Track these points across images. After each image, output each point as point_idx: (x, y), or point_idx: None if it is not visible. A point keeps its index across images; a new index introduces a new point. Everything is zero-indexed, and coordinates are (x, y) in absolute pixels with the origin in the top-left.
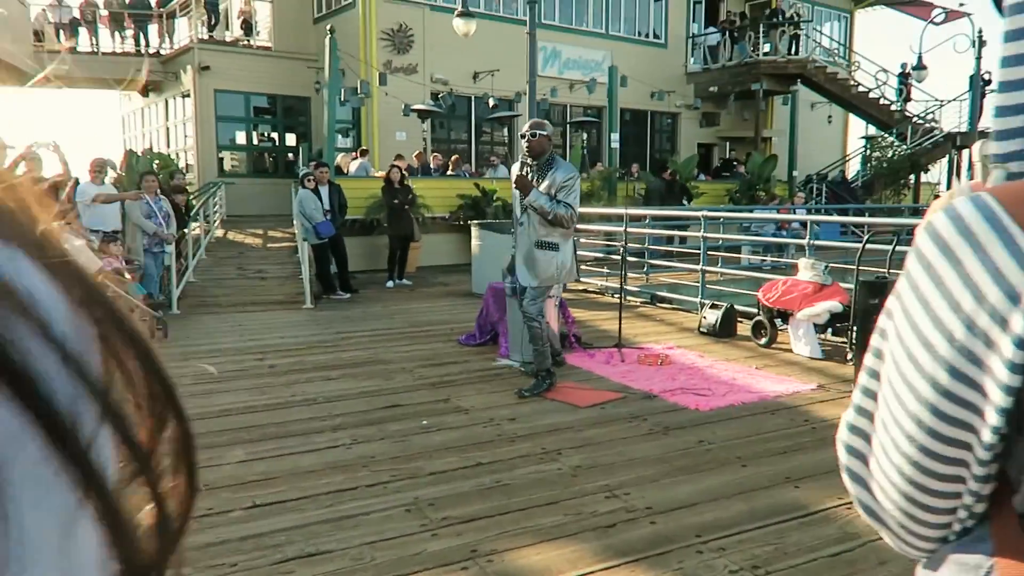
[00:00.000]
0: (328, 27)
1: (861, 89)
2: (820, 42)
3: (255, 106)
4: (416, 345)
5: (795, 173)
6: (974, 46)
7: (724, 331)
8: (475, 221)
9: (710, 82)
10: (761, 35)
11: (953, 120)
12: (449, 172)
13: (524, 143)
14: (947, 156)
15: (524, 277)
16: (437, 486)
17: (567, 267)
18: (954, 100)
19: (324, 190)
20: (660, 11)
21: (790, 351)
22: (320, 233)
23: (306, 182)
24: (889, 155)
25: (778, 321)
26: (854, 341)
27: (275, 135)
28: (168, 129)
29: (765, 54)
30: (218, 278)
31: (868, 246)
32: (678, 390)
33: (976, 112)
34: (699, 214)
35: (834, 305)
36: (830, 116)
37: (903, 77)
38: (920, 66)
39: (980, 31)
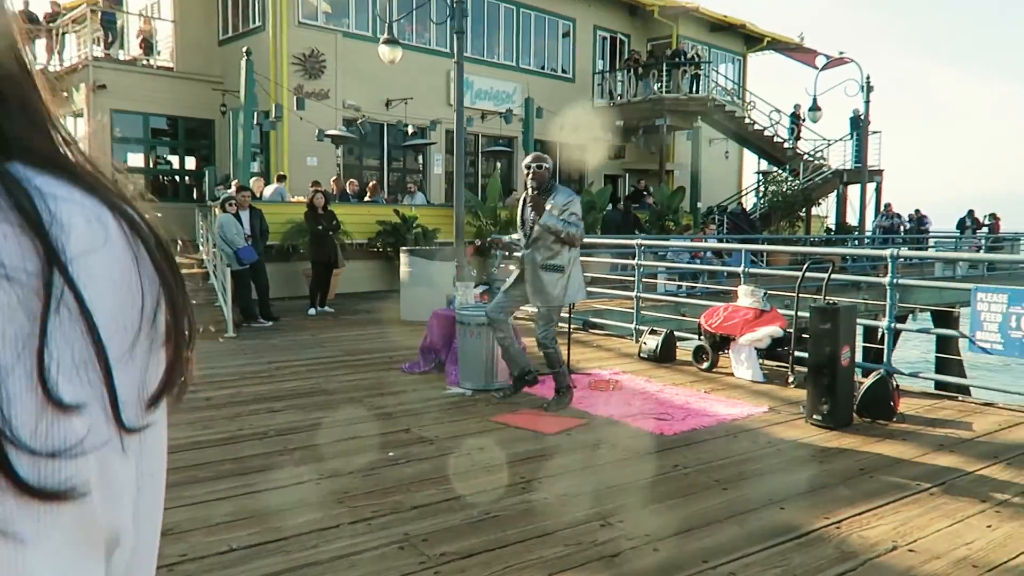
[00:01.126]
0: (244, 49)
1: (756, 127)
2: (718, 82)
3: (154, 128)
4: (358, 374)
5: (699, 204)
6: (862, 90)
7: (664, 356)
8: (404, 248)
9: (616, 116)
10: (665, 74)
11: (839, 158)
12: (367, 199)
13: (528, 174)
14: (835, 191)
15: (533, 300)
16: (424, 520)
17: (574, 287)
18: (840, 140)
19: (245, 215)
20: (568, 48)
21: (731, 375)
22: (242, 259)
23: (227, 206)
24: (784, 189)
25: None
26: (794, 365)
27: (174, 158)
28: (73, 144)
29: (667, 92)
30: None
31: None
32: (638, 415)
33: (861, 150)
34: (634, 242)
35: (775, 330)
36: (727, 152)
37: (794, 118)
38: (815, 107)
39: (868, 77)
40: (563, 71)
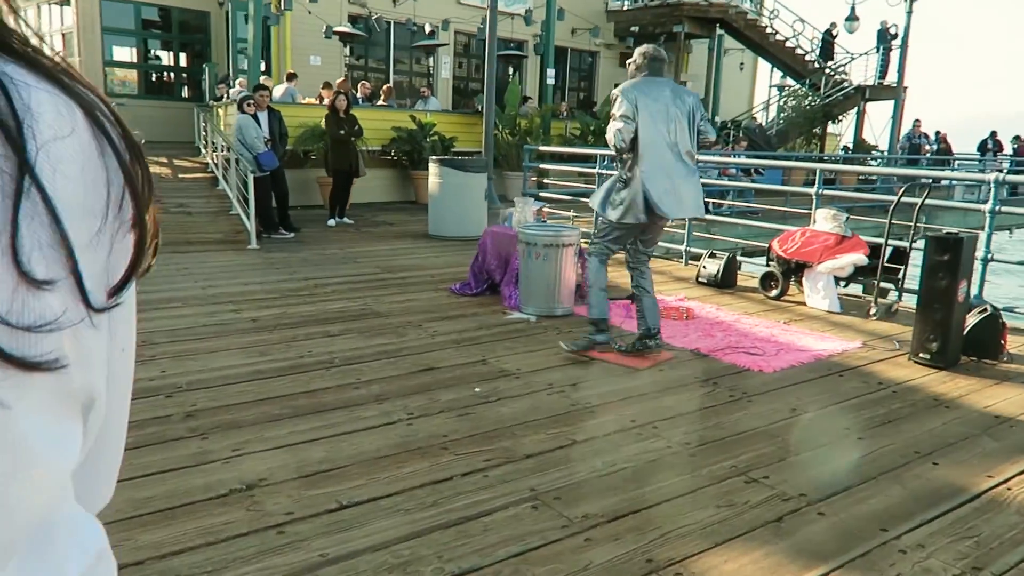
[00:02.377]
0: None
1: (779, 37)
2: None
3: (145, 18)
4: (405, 295)
5: (717, 119)
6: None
7: (725, 281)
8: (434, 157)
9: (631, 21)
10: None
11: (860, 73)
12: (380, 103)
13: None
14: (856, 108)
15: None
16: (546, 473)
17: (623, 203)
18: (864, 54)
19: (263, 116)
20: None
21: (803, 304)
22: (263, 165)
23: (245, 106)
24: (803, 105)
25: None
26: (878, 296)
27: (167, 53)
28: (41, 41)
29: None
30: None
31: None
32: (726, 348)
33: (884, 66)
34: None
35: (859, 258)
36: (742, 63)
37: (827, 36)
38: (853, 16)
39: None
40: None
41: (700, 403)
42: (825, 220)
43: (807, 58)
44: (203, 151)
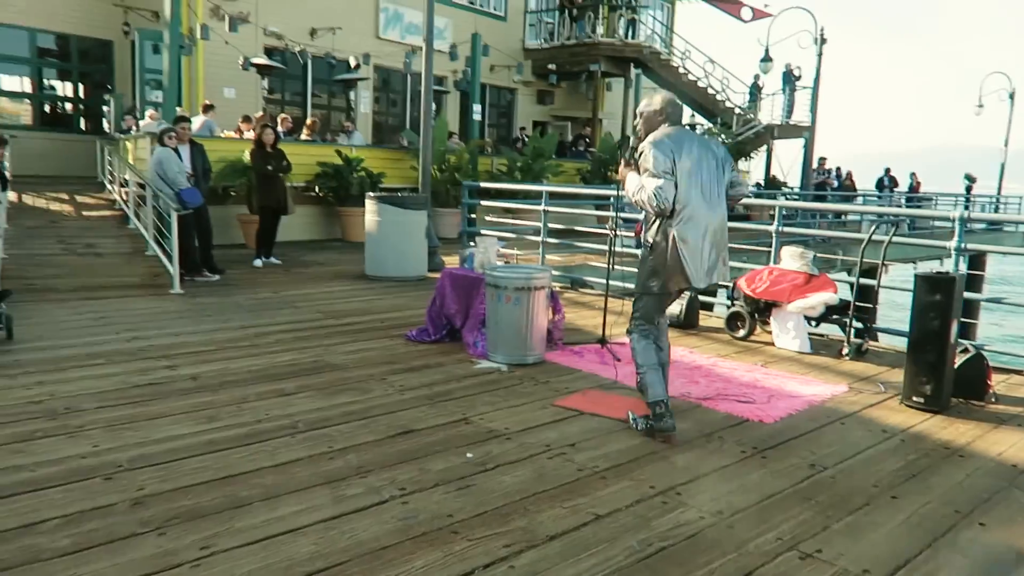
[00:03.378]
0: None
1: (691, 78)
2: (654, 28)
3: (40, 46)
4: (358, 343)
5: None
6: (816, 43)
7: (689, 322)
8: (371, 194)
9: (549, 59)
10: (600, 17)
11: (767, 113)
12: (303, 137)
13: (635, 125)
14: (765, 145)
15: None
16: (580, 560)
17: (657, 271)
18: (772, 95)
19: (185, 150)
20: None
21: (771, 344)
22: (186, 202)
23: (166, 139)
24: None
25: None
26: (850, 336)
27: (64, 84)
28: None
29: (602, 36)
30: (35, 253)
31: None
32: (716, 397)
33: (791, 105)
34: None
35: (830, 297)
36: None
37: (788, 76)
38: (767, 58)
39: (822, 29)
40: (494, 8)
41: (715, 462)
42: (792, 258)
43: (718, 98)
44: (108, 187)
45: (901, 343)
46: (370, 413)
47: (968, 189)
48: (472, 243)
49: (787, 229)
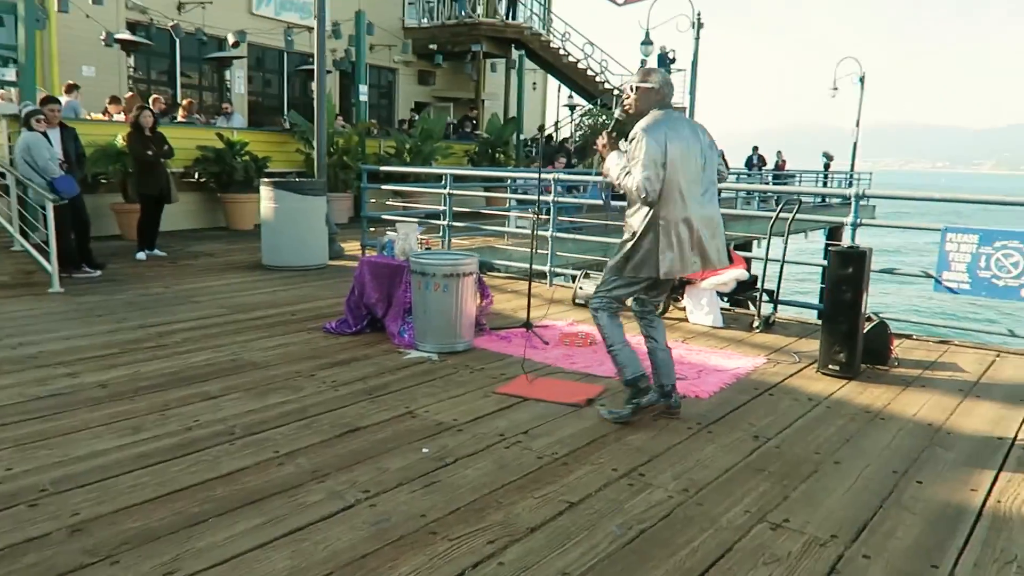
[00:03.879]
0: None
1: (571, 59)
2: (532, 9)
3: None
4: (275, 339)
5: (523, 137)
6: (694, 27)
7: None
8: (266, 180)
9: (430, 39)
10: None
11: None
12: (180, 119)
13: (625, 99)
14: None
15: None
16: (566, 550)
17: (637, 257)
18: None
19: (55, 135)
20: None
21: (685, 321)
22: (60, 192)
23: (33, 122)
24: (597, 124)
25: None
26: (760, 309)
27: None
28: None
29: (482, 16)
30: None
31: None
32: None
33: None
34: (550, 176)
35: (740, 273)
36: (534, 83)
37: (663, 59)
38: (648, 41)
39: (699, 13)
40: None
41: (667, 440)
42: None
43: (597, 79)
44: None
45: (802, 314)
46: (308, 412)
47: (826, 166)
48: (393, 229)
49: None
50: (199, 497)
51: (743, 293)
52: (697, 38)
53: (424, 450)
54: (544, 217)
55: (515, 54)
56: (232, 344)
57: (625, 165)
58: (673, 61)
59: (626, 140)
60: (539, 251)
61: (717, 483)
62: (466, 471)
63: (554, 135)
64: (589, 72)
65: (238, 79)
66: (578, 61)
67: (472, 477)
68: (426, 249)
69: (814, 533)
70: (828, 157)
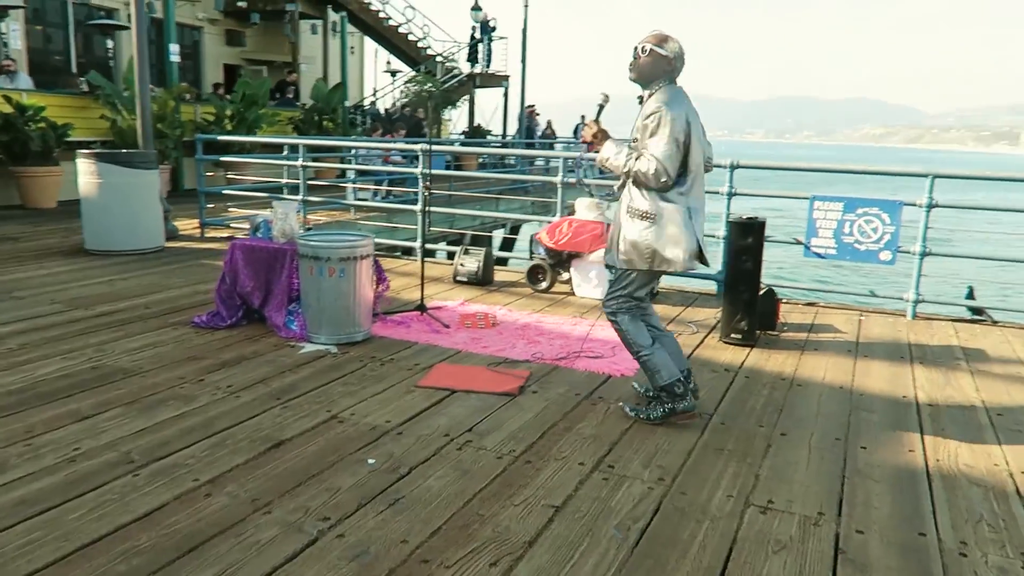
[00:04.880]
0: None
1: (392, 23)
2: None
3: None
4: (137, 339)
5: (347, 103)
6: None
7: (486, 278)
8: (85, 151)
9: None
10: None
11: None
12: None
13: (634, 59)
14: (469, 94)
15: (607, 257)
16: (575, 564)
17: (666, 247)
18: (470, 44)
19: None
20: None
21: (572, 295)
22: None
23: None
24: (423, 91)
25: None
26: None
27: None
28: None
29: None
30: None
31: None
32: (570, 355)
33: (489, 55)
34: (417, 148)
35: None
36: (352, 48)
37: (484, 27)
38: (477, 7)
39: None
40: None
41: (617, 426)
42: (588, 209)
43: (420, 44)
44: None
45: (676, 283)
46: (214, 427)
47: None
48: (271, 208)
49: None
50: (120, 551)
51: None
52: (526, 5)
53: (370, 461)
54: (432, 190)
55: (336, 16)
56: (86, 348)
57: (631, 150)
58: (494, 29)
59: (584, 124)
60: (399, 225)
61: (687, 467)
62: (427, 482)
63: (375, 102)
64: (411, 37)
65: (13, 32)
66: (399, 25)
67: (438, 488)
68: (308, 229)
69: (802, 512)
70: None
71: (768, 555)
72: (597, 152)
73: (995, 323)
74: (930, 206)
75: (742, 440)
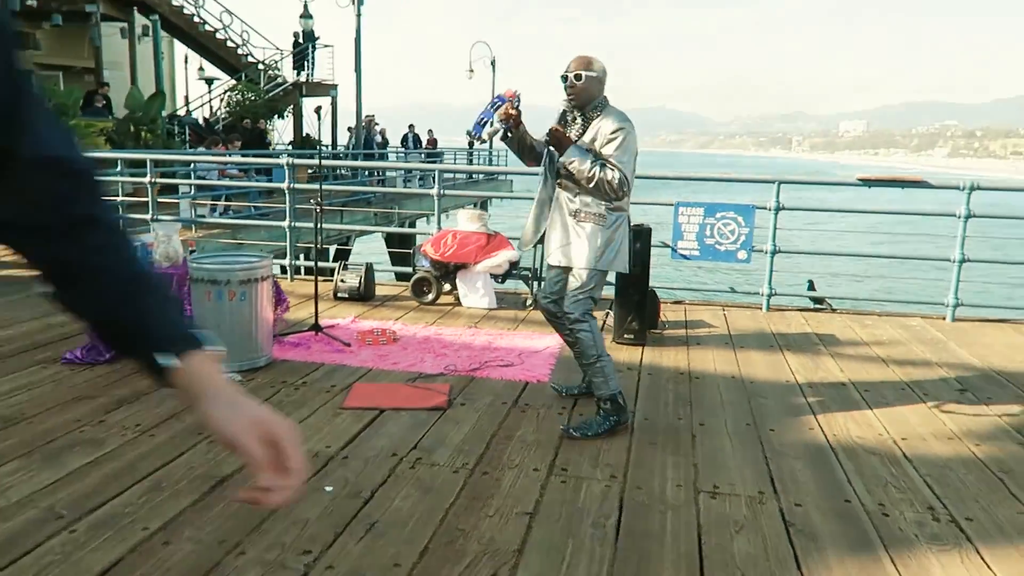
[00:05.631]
0: None
1: (208, 28)
2: None
3: None
4: (2, 381)
5: (164, 113)
6: (353, 3)
7: (368, 293)
8: None
9: None
10: None
11: (291, 71)
12: None
13: (566, 87)
14: (295, 104)
15: (559, 258)
16: (570, 566)
17: (619, 247)
18: (294, 52)
19: None
20: None
21: (458, 305)
22: None
23: None
24: (245, 100)
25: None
26: (532, 289)
27: None
28: None
29: None
30: None
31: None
32: (481, 365)
33: (313, 63)
34: (283, 161)
35: (512, 254)
36: (162, 53)
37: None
38: (307, 15)
39: None
40: None
41: (552, 430)
42: (470, 221)
43: (239, 51)
44: None
45: None
46: (140, 471)
47: (471, 144)
48: (153, 231)
49: (450, 193)
50: None
51: (516, 273)
52: (359, 14)
53: (327, 488)
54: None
55: (144, 20)
56: None
57: (594, 157)
58: (318, 37)
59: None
60: (247, 241)
61: (632, 463)
62: (395, 503)
63: (189, 110)
64: (230, 44)
65: None
66: (216, 31)
67: (408, 508)
68: (191, 251)
69: (746, 493)
70: (471, 135)
71: (732, 535)
72: (512, 132)
73: (834, 311)
74: (778, 209)
75: (669, 433)
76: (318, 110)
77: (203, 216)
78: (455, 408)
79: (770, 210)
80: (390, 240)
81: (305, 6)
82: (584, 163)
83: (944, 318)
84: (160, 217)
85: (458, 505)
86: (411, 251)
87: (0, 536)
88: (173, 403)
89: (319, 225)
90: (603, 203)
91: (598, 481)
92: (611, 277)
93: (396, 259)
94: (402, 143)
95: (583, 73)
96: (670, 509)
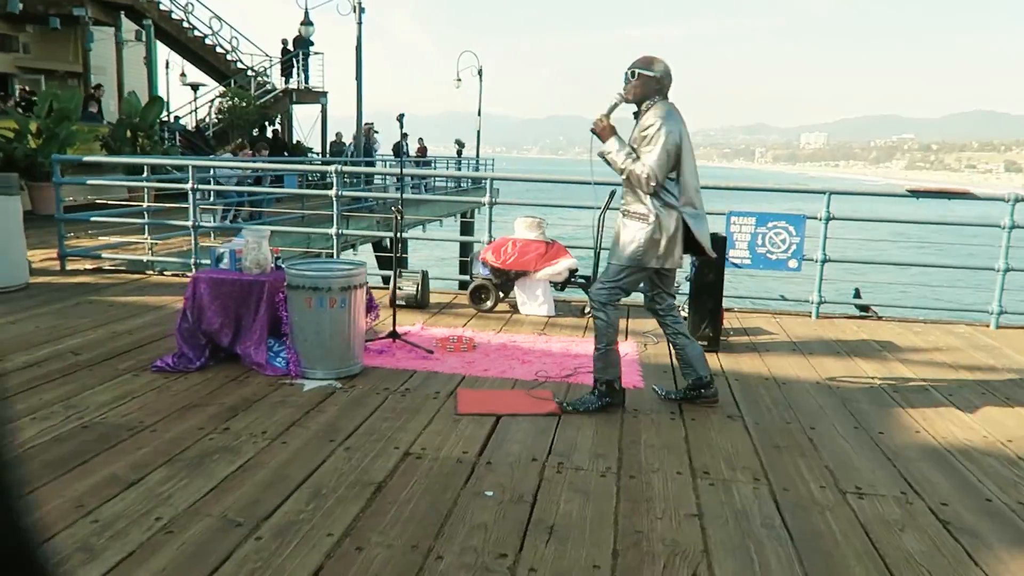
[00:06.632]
0: None
1: (196, 34)
2: None
3: None
4: (102, 391)
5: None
6: (355, 11)
7: (424, 300)
8: None
9: None
10: None
11: (279, 79)
12: None
13: (626, 85)
14: (287, 110)
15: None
16: (764, 570)
17: (660, 245)
18: (285, 59)
19: None
20: None
21: (516, 312)
22: None
23: None
24: (242, 105)
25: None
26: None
27: None
28: None
29: None
30: None
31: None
32: (577, 372)
33: (306, 71)
34: (331, 168)
35: (572, 262)
36: (146, 57)
37: (306, 43)
38: (308, 22)
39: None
40: None
41: (672, 433)
42: (528, 229)
43: (229, 58)
44: None
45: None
46: (293, 478)
47: (459, 152)
48: (236, 237)
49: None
50: None
51: (574, 281)
52: (360, 22)
53: (488, 493)
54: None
55: (136, 25)
56: (52, 404)
57: (630, 151)
58: (312, 44)
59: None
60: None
61: (768, 466)
62: (562, 507)
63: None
64: (219, 50)
65: None
66: (205, 37)
67: (577, 513)
68: (277, 258)
69: (891, 494)
70: (460, 144)
71: (897, 534)
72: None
73: (879, 318)
74: (828, 219)
75: (787, 436)
76: (337, 137)
77: (236, 222)
78: (568, 414)
79: (820, 220)
80: (377, 246)
81: (306, 13)
82: (618, 155)
83: (988, 325)
84: (201, 224)
85: (623, 508)
86: (404, 256)
87: (189, 544)
88: (289, 411)
89: (398, 233)
90: (647, 203)
91: (743, 483)
92: (684, 288)
93: (383, 263)
94: (394, 151)
95: (639, 71)
96: (827, 510)
